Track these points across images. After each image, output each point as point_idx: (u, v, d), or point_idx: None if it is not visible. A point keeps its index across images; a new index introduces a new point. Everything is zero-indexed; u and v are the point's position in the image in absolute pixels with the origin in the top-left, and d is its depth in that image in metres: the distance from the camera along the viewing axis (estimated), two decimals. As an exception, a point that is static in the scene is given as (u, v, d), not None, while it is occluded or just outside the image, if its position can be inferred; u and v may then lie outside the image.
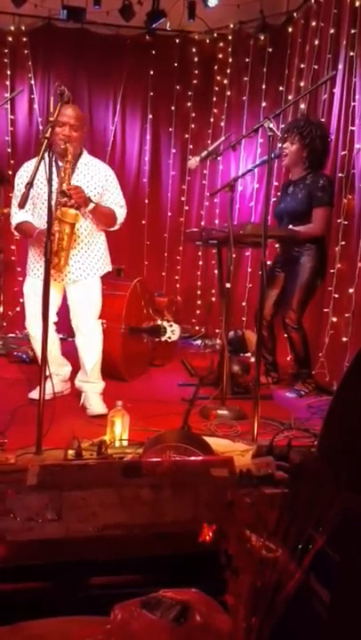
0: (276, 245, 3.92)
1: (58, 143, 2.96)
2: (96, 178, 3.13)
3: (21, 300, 5.31)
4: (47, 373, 2.46)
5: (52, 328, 3.22)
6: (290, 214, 3.70)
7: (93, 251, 3.19)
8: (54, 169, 2.98)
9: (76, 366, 3.29)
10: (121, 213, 3.22)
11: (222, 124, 5.48)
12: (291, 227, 3.62)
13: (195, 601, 1.18)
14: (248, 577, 1.04)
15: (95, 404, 3.08)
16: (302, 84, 4.49)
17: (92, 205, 3.02)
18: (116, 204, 3.20)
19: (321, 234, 3.67)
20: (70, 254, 3.05)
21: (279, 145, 3.68)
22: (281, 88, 4.97)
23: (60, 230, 2.92)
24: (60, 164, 3.00)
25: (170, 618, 1.14)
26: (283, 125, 4.24)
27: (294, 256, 3.63)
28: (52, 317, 3.24)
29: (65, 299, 3.25)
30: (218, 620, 1.15)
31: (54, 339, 3.27)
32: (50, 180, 2.39)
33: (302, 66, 4.52)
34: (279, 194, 4.07)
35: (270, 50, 5.08)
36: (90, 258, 3.17)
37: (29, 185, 2.32)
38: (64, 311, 3.29)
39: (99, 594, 1.44)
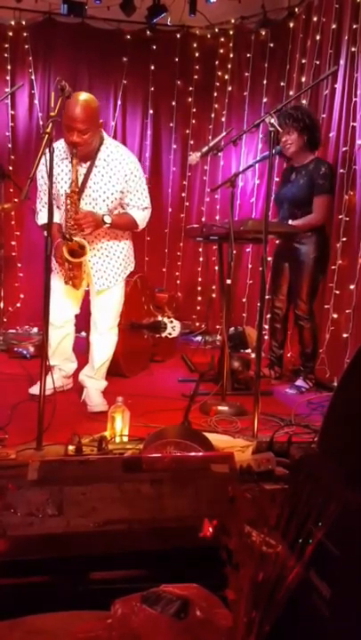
0: (277, 241, 3.91)
1: (69, 146, 2.83)
2: (115, 179, 2.90)
3: (22, 296, 5.38)
4: (47, 364, 2.44)
5: (71, 322, 3.24)
6: (290, 200, 3.70)
7: (115, 255, 3.08)
8: (64, 167, 2.91)
9: (82, 363, 3.29)
10: (143, 216, 3.04)
11: (223, 119, 5.47)
12: (290, 220, 3.61)
13: (195, 596, 1.18)
14: (249, 572, 1.05)
15: (96, 402, 3.07)
16: (304, 79, 4.48)
17: (106, 226, 2.90)
18: (138, 206, 3.00)
19: (322, 223, 3.67)
20: (91, 264, 3.03)
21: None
22: (282, 83, 4.97)
23: (69, 261, 2.87)
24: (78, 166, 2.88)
25: (170, 613, 1.14)
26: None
27: (296, 247, 3.64)
28: (75, 310, 3.23)
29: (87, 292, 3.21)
30: (218, 615, 1.15)
31: (70, 333, 3.26)
32: (50, 175, 2.38)
33: (304, 61, 4.52)
34: (278, 179, 4.08)
35: (272, 45, 5.07)
36: (111, 265, 3.07)
37: (30, 180, 2.31)
38: (84, 306, 3.27)
39: (99, 589, 1.44)
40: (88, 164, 2.89)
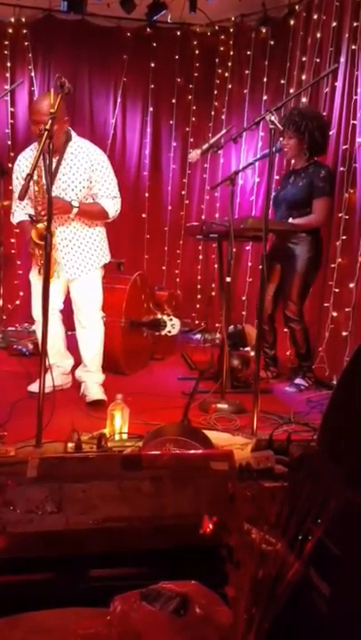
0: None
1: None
2: (82, 169, 3.01)
3: (21, 294, 5.37)
4: (47, 365, 2.45)
5: (57, 317, 3.25)
6: (289, 202, 3.70)
7: (88, 245, 3.14)
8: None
9: (79, 361, 3.30)
10: (113, 205, 3.09)
11: (223, 117, 5.46)
12: (290, 219, 3.61)
13: (194, 593, 1.18)
14: (249, 569, 1.05)
15: (94, 391, 3.09)
16: (304, 77, 4.47)
17: (75, 210, 2.97)
18: (107, 195, 3.07)
19: (322, 225, 3.67)
20: (63, 253, 3.08)
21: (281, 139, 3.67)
22: (282, 81, 4.95)
23: (38, 245, 2.92)
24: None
25: (169, 610, 1.14)
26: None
27: (289, 247, 3.63)
28: (58, 305, 3.25)
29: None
30: (218, 613, 1.15)
31: (59, 329, 3.28)
32: (49, 171, 2.38)
33: (304, 59, 4.51)
34: (278, 178, 4.08)
35: (272, 43, 5.05)
36: (84, 254, 3.13)
37: (30, 177, 2.31)
38: (68, 304, 3.28)
39: (99, 586, 1.44)
40: (57, 157, 2.97)
